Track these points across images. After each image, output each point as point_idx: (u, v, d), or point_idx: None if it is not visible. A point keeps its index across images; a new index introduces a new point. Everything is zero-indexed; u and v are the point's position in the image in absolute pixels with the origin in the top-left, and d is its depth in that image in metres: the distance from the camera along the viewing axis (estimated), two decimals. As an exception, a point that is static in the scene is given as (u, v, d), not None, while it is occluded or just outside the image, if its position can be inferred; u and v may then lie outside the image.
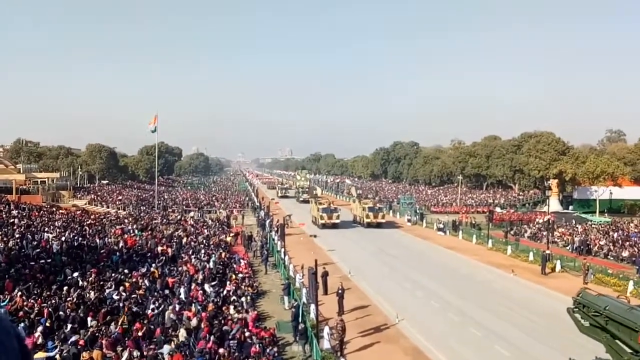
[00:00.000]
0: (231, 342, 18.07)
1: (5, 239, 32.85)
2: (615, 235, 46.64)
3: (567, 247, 44.11)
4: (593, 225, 54.18)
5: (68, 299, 21.83)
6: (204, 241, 40.49)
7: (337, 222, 55.68)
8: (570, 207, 77.42)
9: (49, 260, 29.33)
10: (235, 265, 32.90)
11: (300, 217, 60.12)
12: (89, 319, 19.80)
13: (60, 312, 20.23)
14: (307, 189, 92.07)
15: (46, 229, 39.95)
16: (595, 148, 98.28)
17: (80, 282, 25.08)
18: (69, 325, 18.79)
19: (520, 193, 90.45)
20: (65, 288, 23.52)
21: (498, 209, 73.72)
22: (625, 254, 39.44)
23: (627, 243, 42.68)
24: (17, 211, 46.65)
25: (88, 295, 22.84)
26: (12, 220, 40.82)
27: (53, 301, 21.45)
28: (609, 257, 40.07)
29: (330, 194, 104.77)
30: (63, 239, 35.80)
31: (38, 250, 31.98)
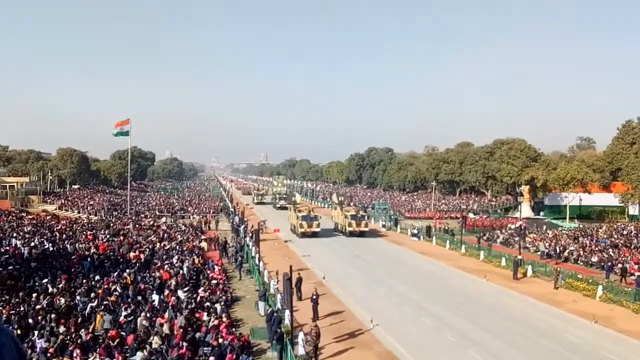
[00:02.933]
0: (205, 348, 17.88)
1: (-29, 244, 32.03)
2: (585, 240, 47.54)
3: (538, 252, 44.76)
4: (563, 231, 55.13)
5: (37, 306, 21.37)
6: (177, 247, 40.07)
7: (318, 230, 53.16)
8: (542, 213, 78.77)
9: (18, 267, 28.71)
10: (209, 271, 32.62)
11: (276, 224, 58.82)
12: (59, 326, 19.40)
13: (29, 320, 19.78)
14: (284, 195, 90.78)
15: (15, 234, 39.11)
16: (566, 155, 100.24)
17: (50, 289, 24.58)
18: (36, 333, 18.38)
19: (493, 199, 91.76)
20: (34, 295, 23.03)
21: (471, 215, 74.70)
22: (594, 259, 40.23)
23: (597, 248, 43.54)
24: (-16, 216, 45.56)
25: (58, 302, 22.39)
26: (-21, 226, 39.84)
27: (22, 308, 20.99)
28: (578, 262, 40.80)
29: (306, 200, 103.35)
30: (32, 244, 35.07)
31: (7, 256, 31.29)
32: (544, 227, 58.46)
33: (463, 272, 37.62)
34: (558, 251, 43.10)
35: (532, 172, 78.16)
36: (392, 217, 68.57)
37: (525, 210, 69.41)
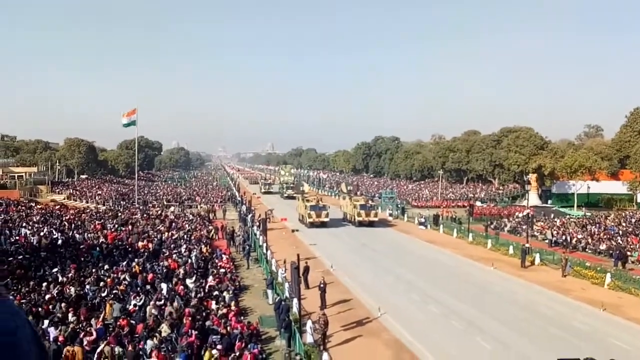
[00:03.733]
0: (214, 337, 18.00)
1: (-18, 234, 32.31)
2: (593, 228, 47.39)
3: (546, 241, 44.66)
4: (571, 219, 54.96)
5: (47, 295, 21.56)
6: (185, 236, 40.25)
7: (327, 220, 52.58)
8: (549, 201, 78.50)
9: (27, 256, 28.95)
10: (217, 260, 32.78)
11: (283, 213, 58.84)
12: (69, 314, 19.59)
13: (40, 308, 19.97)
14: (291, 185, 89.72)
15: (24, 224, 39.39)
16: (573, 143, 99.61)
17: (60, 278, 24.79)
18: (46, 321, 18.55)
19: (500, 187, 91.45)
20: (44, 284, 23.23)
21: (478, 203, 74.52)
22: (602, 247, 40.12)
23: (605, 236, 43.41)
24: (-7, 206, 45.89)
25: (68, 291, 22.59)
26: (-12, 216, 40.16)
27: (32, 297, 21.19)
28: (586, 250, 40.70)
29: (312, 189, 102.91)
30: (42, 234, 35.32)
31: (16, 245, 31.54)
32: (552, 215, 58.27)
33: (470, 260, 37.63)
34: (566, 239, 42.97)
35: (540, 160, 77.77)
36: (399, 206, 68.52)
37: (533, 198, 69.16)
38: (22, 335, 0.95)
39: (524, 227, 47.27)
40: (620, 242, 40.92)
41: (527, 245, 37.38)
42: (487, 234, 47.07)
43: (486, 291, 28.66)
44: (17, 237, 34.19)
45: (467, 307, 25.25)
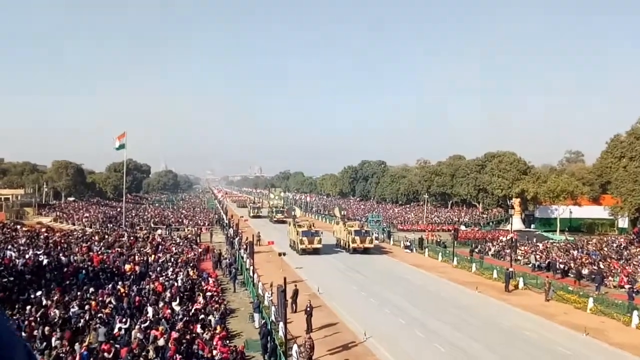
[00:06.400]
0: (199, 360, 18.10)
1: (-34, 256, 32.09)
2: (575, 253, 48.04)
3: (529, 265, 45.15)
4: (554, 244, 55.66)
5: (30, 318, 21.50)
6: (172, 259, 40.22)
7: (319, 246, 50.63)
8: (532, 226, 79.37)
9: (12, 279, 28.79)
10: (203, 283, 32.80)
11: (270, 237, 58.00)
12: (53, 338, 19.56)
13: (23, 332, 19.92)
14: (281, 209, 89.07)
15: (9, 246, 39.14)
16: (556, 168, 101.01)
17: (45, 301, 24.70)
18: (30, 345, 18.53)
19: (484, 212, 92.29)
20: (28, 307, 23.15)
21: (463, 227, 75.14)
22: (585, 271, 40.66)
23: (587, 261, 44.01)
24: (-22, 228, 45.56)
25: (52, 314, 22.53)
26: (-27, 238, 39.88)
27: (15, 320, 21.12)
28: (569, 274, 41.23)
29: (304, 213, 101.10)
30: (27, 256, 35.15)
31: (1, 268, 31.34)
32: (535, 240, 58.95)
33: (455, 284, 37.97)
34: (550, 263, 43.51)
35: (523, 184, 78.83)
36: (385, 229, 68.91)
37: (516, 222, 69.98)
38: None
39: (508, 251, 47.81)
40: (602, 267, 41.54)
41: (510, 269, 37.84)
42: (471, 257, 47.52)
43: (471, 315, 28.95)
44: (1, 259, 33.96)
45: (452, 330, 25.51)
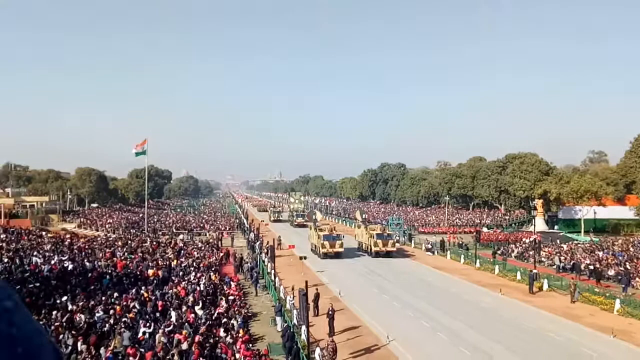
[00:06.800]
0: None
1: (-6, 263, 32.76)
2: (601, 254, 47.27)
3: (554, 266, 44.54)
4: (578, 245, 54.86)
5: (57, 322, 21.83)
6: (194, 263, 40.53)
7: (341, 250, 50.33)
8: (556, 227, 78.35)
9: (38, 284, 29.28)
10: (225, 287, 32.99)
11: (291, 241, 58.46)
12: (79, 343, 19.84)
13: (50, 337, 20.19)
14: (301, 212, 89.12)
15: (35, 252, 39.82)
16: (578, 169, 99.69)
17: (70, 306, 25.07)
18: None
19: (507, 213, 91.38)
20: (54, 312, 23.51)
21: (485, 229, 74.46)
22: (611, 272, 40.00)
23: (613, 262, 43.28)
24: (5, 235, 46.45)
25: (78, 319, 22.85)
26: (0, 245, 40.66)
27: (42, 325, 21.45)
28: (593, 275, 40.55)
29: (325, 217, 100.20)
30: (52, 262, 35.72)
31: (27, 274, 31.91)
32: (558, 241, 58.19)
33: (478, 286, 37.63)
34: (574, 265, 42.86)
35: (545, 185, 77.92)
36: (405, 232, 68.60)
37: (539, 224, 69.14)
38: (46, 355, 0.99)
39: (531, 252, 47.25)
40: (629, 268, 40.80)
41: (534, 271, 37.38)
42: (494, 259, 47.04)
43: (495, 317, 28.65)
44: (28, 266, 34.56)
45: (475, 333, 25.28)
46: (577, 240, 61.71)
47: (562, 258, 46.06)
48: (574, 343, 23.82)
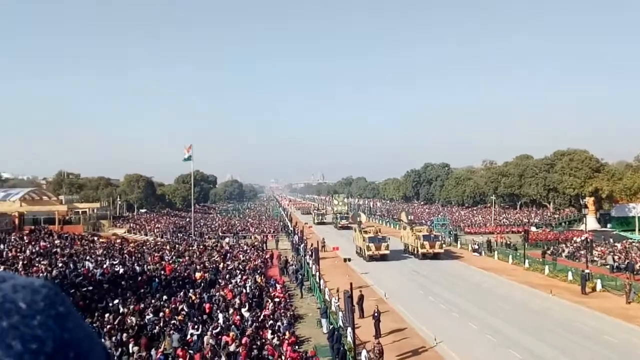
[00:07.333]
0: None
1: (49, 268, 33.99)
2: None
3: (607, 266, 43.06)
4: (634, 244, 52.86)
5: (109, 325, 22.47)
6: (240, 266, 41.03)
7: (387, 253, 49.35)
8: (609, 225, 75.71)
9: (91, 288, 30.21)
10: (271, 290, 33.25)
11: (335, 243, 58.17)
12: (130, 344, 20.38)
13: (103, 339, 20.85)
14: (345, 214, 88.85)
15: (87, 257, 41.10)
16: (631, 164, 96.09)
17: (121, 309, 25.77)
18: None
19: (556, 212, 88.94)
20: (107, 315, 24.21)
21: (533, 229, 72.68)
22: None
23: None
24: (59, 241, 48.12)
25: (129, 321, 23.47)
26: (55, 250, 42.14)
27: (95, 327, 22.12)
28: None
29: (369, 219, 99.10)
30: (104, 266, 36.80)
31: (80, 278, 32.96)
32: (612, 240, 56.22)
33: (527, 287, 36.71)
34: (628, 264, 41.34)
35: (596, 183, 75.47)
36: (451, 232, 67.61)
37: (591, 222, 66.89)
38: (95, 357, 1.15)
39: (583, 252, 45.81)
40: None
41: (587, 271, 36.18)
42: (544, 259, 45.81)
43: (546, 319, 27.88)
44: (81, 270, 35.70)
45: (525, 335, 24.67)
46: (631, 238, 59.48)
47: (616, 257, 44.50)
48: (631, 345, 22.98)
